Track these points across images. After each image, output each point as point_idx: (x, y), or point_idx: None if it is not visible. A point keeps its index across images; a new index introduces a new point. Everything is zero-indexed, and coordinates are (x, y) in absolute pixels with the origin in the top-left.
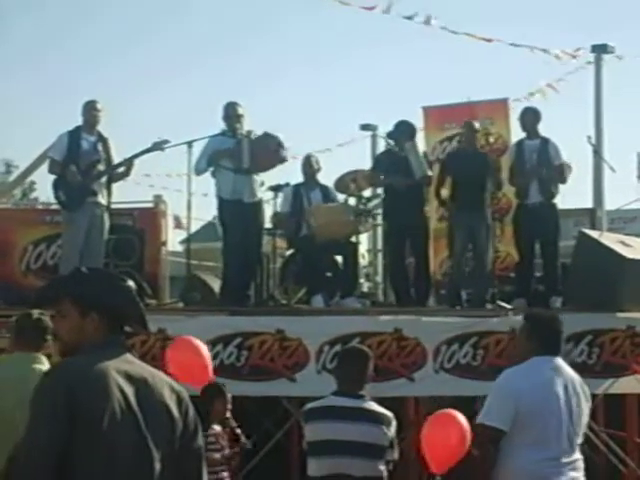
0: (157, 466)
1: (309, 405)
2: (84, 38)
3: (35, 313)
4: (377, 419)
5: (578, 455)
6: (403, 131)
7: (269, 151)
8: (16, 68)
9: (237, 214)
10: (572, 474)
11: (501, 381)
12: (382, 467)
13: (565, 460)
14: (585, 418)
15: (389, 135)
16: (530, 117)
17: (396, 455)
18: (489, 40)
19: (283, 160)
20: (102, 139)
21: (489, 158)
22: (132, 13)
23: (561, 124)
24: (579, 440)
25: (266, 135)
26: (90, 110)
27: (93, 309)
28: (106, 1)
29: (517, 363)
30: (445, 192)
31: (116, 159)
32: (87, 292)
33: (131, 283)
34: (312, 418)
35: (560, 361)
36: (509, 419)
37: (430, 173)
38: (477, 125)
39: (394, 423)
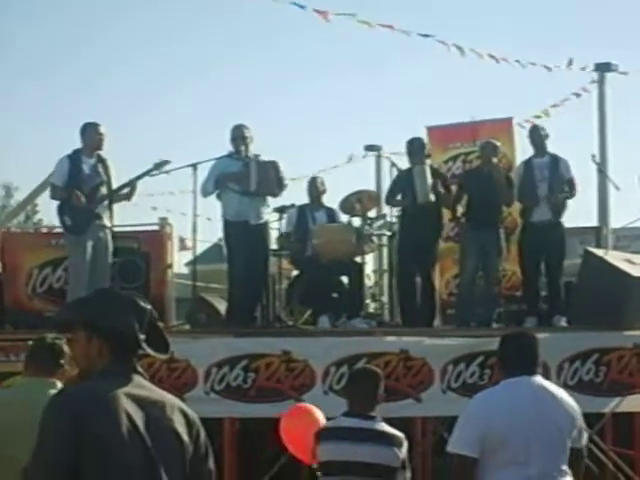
0: None
1: (321, 426)
2: (83, 58)
3: (49, 337)
4: (388, 440)
5: (567, 477)
6: (417, 148)
7: (273, 177)
8: (14, 89)
9: (243, 236)
10: None
11: (468, 406)
12: None
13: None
14: (570, 435)
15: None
16: (539, 134)
17: (408, 475)
18: (494, 57)
19: (283, 185)
20: (101, 160)
21: (505, 177)
22: (129, 30)
23: (565, 143)
24: (564, 459)
25: (274, 163)
26: (93, 133)
27: (96, 333)
28: (102, 21)
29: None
30: (460, 209)
31: (116, 180)
32: (91, 316)
33: (144, 306)
34: (323, 439)
35: (537, 380)
36: (476, 444)
37: (433, 198)
38: (497, 143)
39: (405, 444)
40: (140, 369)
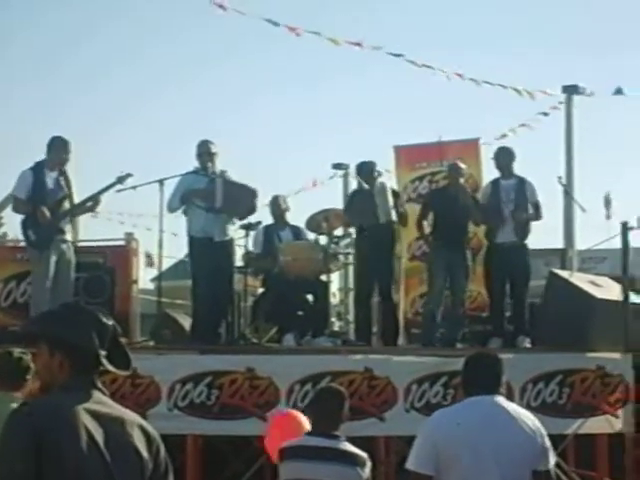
0: None
1: (284, 444)
2: (54, 74)
3: (16, 352)
4: (352, 460)
5: None
6: (366, 172)
7: (246, 200)
8: None
9: (207, 252)
10: None
11: (425, 424)
12: None
13: None
14: (532, 455)
15: (358, 176)
16: (505, 156)
17: None
18: (460, 76)
19: (253, 212)
20: (62, 173)
21: (471, 199)
22: (96, 45)
23: (532, 164)
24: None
25: (245, 187)
26: (62, 151)
27: (58, 348)
28: (74, 37)
29: None
30: (427, 227)
31: (76, 192)
32: (53, 331)
33: (106, 322)
34: (287, 457)
35: (497, 399)
36: (431, 462)
37: (394, 218)
38: (462, 166)
39: (369, 464)
40: (100, 385)
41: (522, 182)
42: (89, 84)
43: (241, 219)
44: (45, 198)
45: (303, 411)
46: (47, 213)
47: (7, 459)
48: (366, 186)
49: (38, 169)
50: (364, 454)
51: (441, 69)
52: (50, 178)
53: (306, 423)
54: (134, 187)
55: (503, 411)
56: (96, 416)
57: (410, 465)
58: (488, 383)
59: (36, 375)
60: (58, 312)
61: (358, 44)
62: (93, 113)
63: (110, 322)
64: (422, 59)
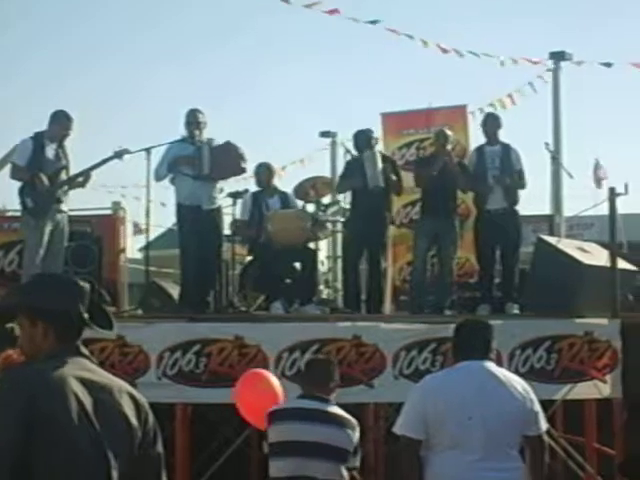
0: (114, 474)
1: (274, 407)
2: (50, 50)
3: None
4: (343, 423)
5: (514, 462)
6: (362, 140)
7: (230, 160)
8: None
9: (195, 220)
10: (502, 476)
11: (414, 389)
12: (345, 472)
13: (491, 465)
14: (521, 420)
15: (354, 144)
16: (493, 123)
17: (358, 463)
18: (445, 51)
19: (243, 171)
20: (60, 145)
21: (458, 163)
22: (102, 17)
23: (519, 131)
24: (512, 445)
25: (228, 144)
26: (65, 126)
27: (40, 317)
28: (72, 13)
29: None
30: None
31: (72, 163)
32: (33, 300)
33: (84, 285)
34: (276, 419)
35: (485, 365)
36: (420, 426)
37: (382, 184)
38: (449, 133)
39: (358, 429)
40: (87, 352)
41: (507, 148)
42: (94, 57)
43: (235, 175)
44: (44, 167)
45: (291, 379)
46: (45, 179)
47: None
48: (355, 153)
49: (38, 139)
50: (354, 419)
51: (423, 39)
52: (50, 149)
53: (275, 380)
54: (120, 156)
55: (492, 376)
56: (84, 383)
57: (399, 429)
58: (478, 349)
59: (21, 349)
60: (33, 282)
61: (335, 10)
62: (99, 87)
63: (87, 285)
64: (404, 28)
